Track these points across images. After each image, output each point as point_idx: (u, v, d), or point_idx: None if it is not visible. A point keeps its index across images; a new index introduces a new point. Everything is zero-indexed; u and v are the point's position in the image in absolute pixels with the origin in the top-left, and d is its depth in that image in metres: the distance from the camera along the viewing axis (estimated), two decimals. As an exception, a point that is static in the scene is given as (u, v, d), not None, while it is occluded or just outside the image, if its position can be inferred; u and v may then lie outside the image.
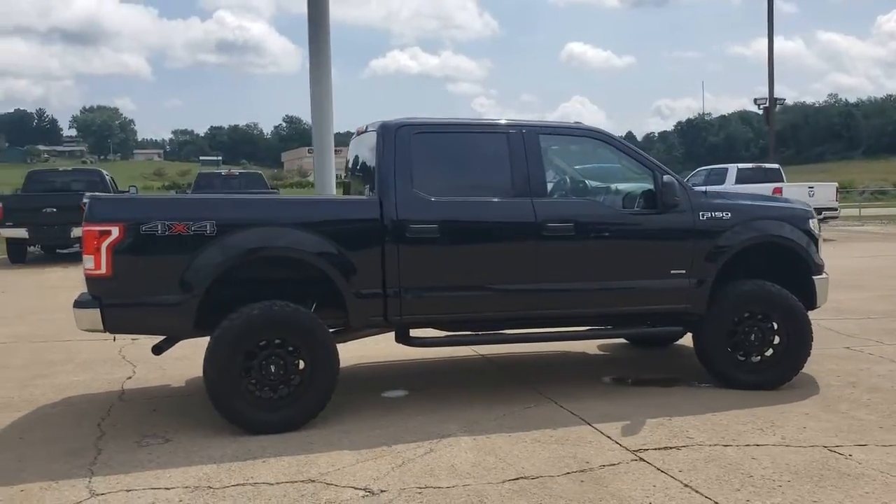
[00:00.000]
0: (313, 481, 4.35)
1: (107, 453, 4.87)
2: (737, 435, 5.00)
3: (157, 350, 5.38)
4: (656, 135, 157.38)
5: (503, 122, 5.89)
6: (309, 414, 5.24)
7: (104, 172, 19.38)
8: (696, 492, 4.12)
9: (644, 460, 4.59)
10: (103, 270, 4.96)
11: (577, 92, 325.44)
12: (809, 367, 6.63)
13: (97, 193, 5.63)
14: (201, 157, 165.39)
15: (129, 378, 6.74)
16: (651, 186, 5.87)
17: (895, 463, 4.49)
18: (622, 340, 7.65)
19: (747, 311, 6.06)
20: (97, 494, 4.23)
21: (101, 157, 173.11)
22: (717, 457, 4.61)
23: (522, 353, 7.42)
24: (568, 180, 6.19)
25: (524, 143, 5.73)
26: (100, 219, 4.97)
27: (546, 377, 6.59)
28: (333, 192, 20.07)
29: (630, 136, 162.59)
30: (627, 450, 4.77)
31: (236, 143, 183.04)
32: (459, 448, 4.84)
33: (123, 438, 5.15)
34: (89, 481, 4.41)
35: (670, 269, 5.90)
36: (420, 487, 4.24)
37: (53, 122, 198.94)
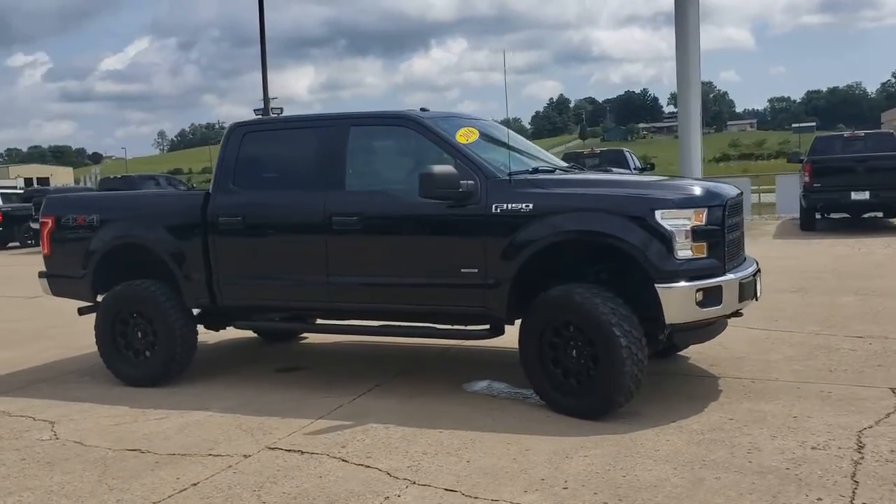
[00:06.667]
0: (50, 422, 5.56)
1: (50, 382, 6.73)
2: (376, 453, 4.57)
3: (80, 312, 7.01)
4: None
5: (324, 115, 6.00)
6: (157, 376, 6.32)
7: None
8: (185, 488, 4.20)
9: (247, 456, 4.66)
10: (46, 251, 6.84)
11: None
12: (756, 402, 5.25)
13: (52, 194, 7.52)
14: (794, 125, 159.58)
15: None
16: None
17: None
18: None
19: (564, 321, 5.06)
20: (-26, 406, 6.12)
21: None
22: (293, 467, 4.42)
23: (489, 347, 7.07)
24: (376, 171, 5.92)
25: (333, 136, 5.79)
26: (44, 212, 6.85)
27: (437, 373, 6.41)
28: (698, 171, 18.78)
29: None
30: (266, 445, 4.82)
31: (834, 106, 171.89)
32: (183, 419, 5.46)
33: (76, 374, 6.97)
34: (-9, 397, 6.33)
35: (461, 268, 5.30)
36: (75, 441, 5.12)
37: (654, 100, 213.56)
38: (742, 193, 5.76)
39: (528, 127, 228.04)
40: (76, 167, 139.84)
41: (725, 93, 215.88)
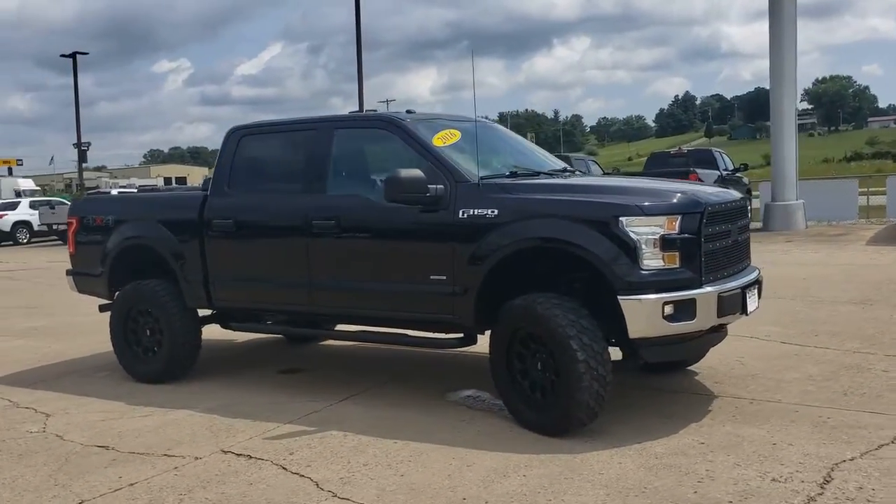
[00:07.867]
0: (47, 415, 5.81)
1: (74, 375, 7.07)
2: (318, 462, 4.51)
3: (101, 309, 7.24)
4: None
5: (313, 119, 5.96)
6: (161, 373, 6.48)
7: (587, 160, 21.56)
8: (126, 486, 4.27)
9: (198, 458, 4.71)
10: (72, 250, 7.14)
11: None
12: (740, 425, 4.87)
13: (87, 195, 7.79)
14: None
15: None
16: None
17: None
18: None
19: (528, 332, 4.83)
20: (-10, 397, 6.49)
21: (831, 129, 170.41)
22: (231, 472, 4.43)
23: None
24: (355, 175, 5.81)
25: (319, 139, 5.75)
26: (70, 213, 7.15)
27: (430, 380, 6.27)
28: (792, 170, 17.66)
29: None
30: (220, 448, 4.85)
31: None
32: (164, 418, 5.59)
33: (100, 369, 7.25)
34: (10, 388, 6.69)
35: (430, 274, 5.15)
36: (56, 435, 5.32)
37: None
38: (743, 199, 5.35)
39: (653, 125, 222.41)
40: (211, 167, 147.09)
41: (867, 87, 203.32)
